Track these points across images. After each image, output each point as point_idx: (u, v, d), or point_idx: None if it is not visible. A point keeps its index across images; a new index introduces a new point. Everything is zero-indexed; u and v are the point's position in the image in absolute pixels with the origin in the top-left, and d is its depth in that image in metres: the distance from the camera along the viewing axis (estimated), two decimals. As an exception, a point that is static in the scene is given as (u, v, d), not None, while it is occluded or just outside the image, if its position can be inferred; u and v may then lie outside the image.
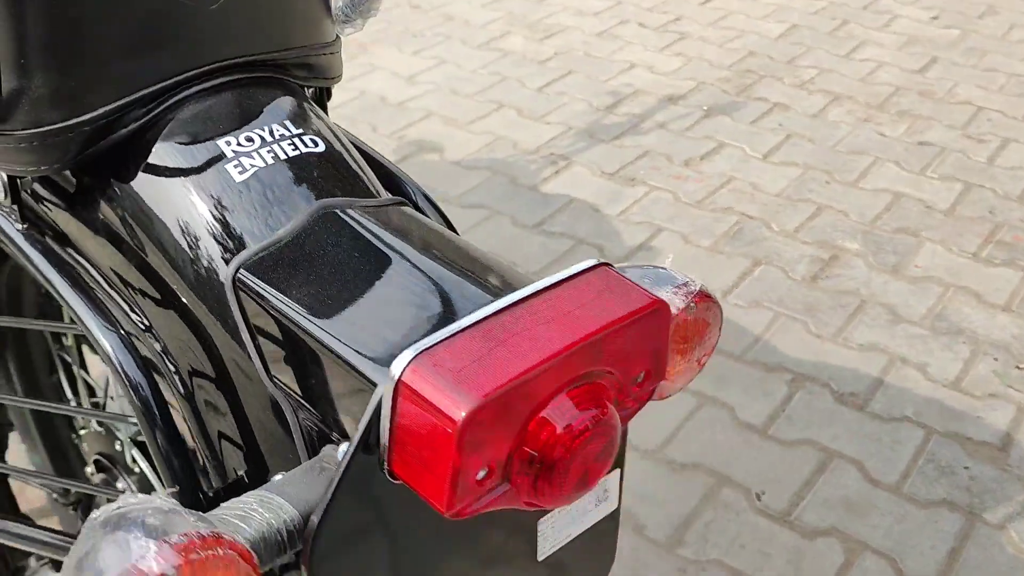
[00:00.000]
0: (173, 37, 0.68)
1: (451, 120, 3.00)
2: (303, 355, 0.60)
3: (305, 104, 0.75)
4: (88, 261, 0.74)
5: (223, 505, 0.57)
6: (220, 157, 0.68)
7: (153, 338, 0.71)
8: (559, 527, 0.70)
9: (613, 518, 0.75)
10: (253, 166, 0.68)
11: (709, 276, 2.33)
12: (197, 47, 0.69)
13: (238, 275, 0.63)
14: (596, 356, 0.54)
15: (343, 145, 0.74)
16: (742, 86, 3.19)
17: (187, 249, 0.67)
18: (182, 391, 0.71)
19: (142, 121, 0.68)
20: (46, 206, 0.75)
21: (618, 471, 0.73)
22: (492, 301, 0.54)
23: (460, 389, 0.49)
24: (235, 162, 0.68)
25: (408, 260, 0.63)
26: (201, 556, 0.51)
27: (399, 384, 0.50)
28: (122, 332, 0.67)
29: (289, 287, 0.62)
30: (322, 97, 0.85)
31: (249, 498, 0.57)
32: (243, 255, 0.64)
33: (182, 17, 0.68)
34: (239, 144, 0.68)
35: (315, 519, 0.54)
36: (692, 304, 0.72)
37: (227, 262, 0.65)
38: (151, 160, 0.68)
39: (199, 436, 0.72)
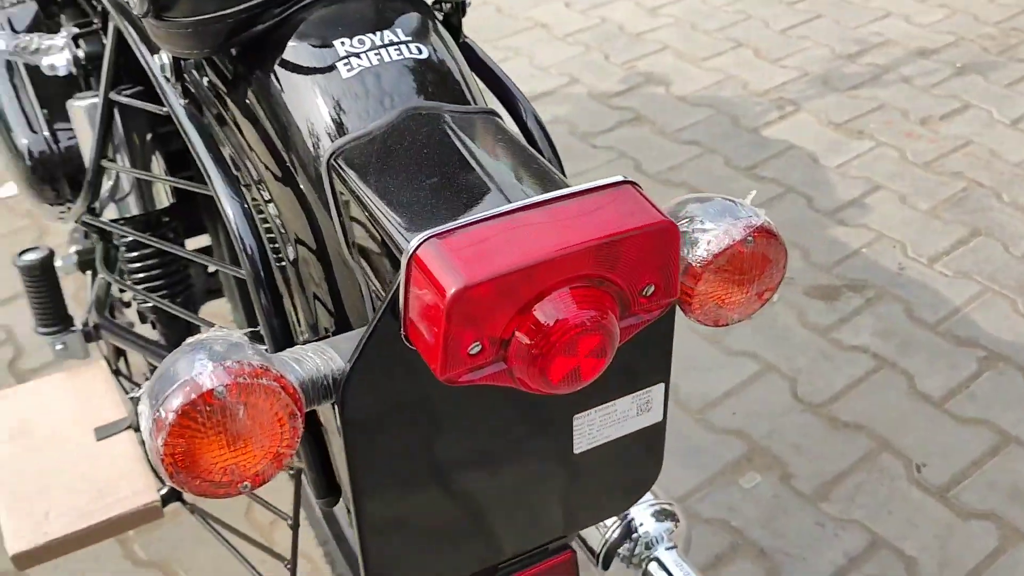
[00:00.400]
0: None
1: (684, 55, 2.98)
2: (371, 233, 0.69)
3: (421, 15, 0.83)
4: (229, 138, 0.86)
5: (288, 350, 0.67)
6: (334, 55, 0.77)
7: (271, 210, 0.83)
8: (596, 426, 0.76)
9: (657, 431, 0.79)
10: (359, 66, 0.77)
11: (919, 239, 2.23)
12: None
13: (332, 160, 0.73)
14: (598, 261, 0.59)
15: (449, 56, 0.82)
16: (1006, 45, 2.96)
17: (298, 134, 0.77)
18: (290, 258, 0.82)
19: (277, 18, 0.79)
20: (202, 87, 0.88)
21: (662, 384, 0.77)
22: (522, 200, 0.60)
23: (457, 268, 0.56)
24: (345, 61, 0.77)
25: (470, 161, 0.70)
26: (248, 381, 0.61)
27: (413, 258, 0.58)
28: (245, 203, 0.79)
29: (367, 175, 0.71)
30: (457, 12, 0.92)
31: (308, 347, 0.67)
32: (338, 143, 0.74)
33: None
34: (352, 45, 0.78)
35: (347, 368, 0.63)
36: (750, 237, 0.74)
37: (324, 148, 0.75)
38: (280, 53, 0.79)
39: (300, 297, 0.83)
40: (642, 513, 1.15)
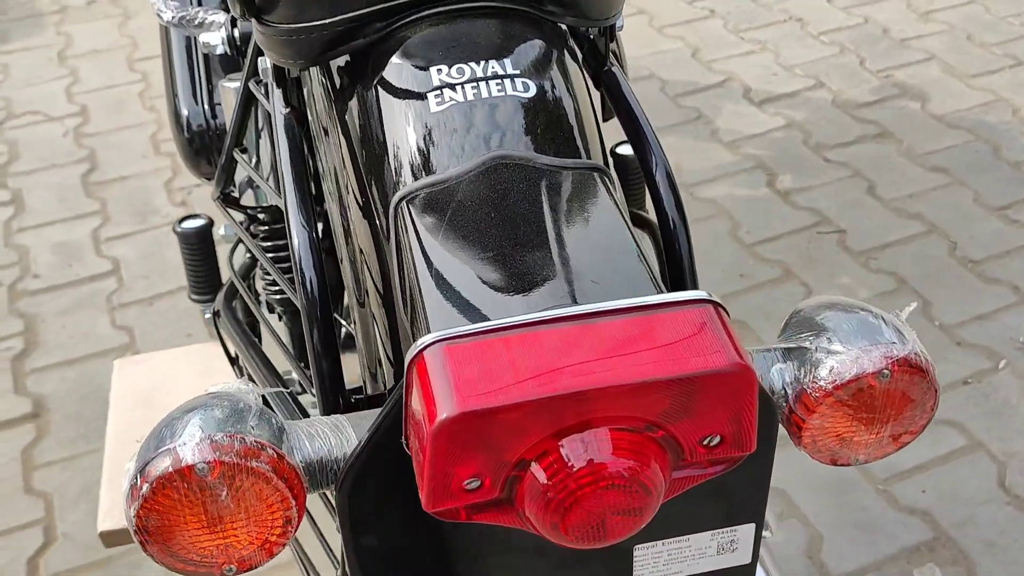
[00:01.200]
0: None
1: (952, 68, 2.67)
2: (418, 297, 0.59)
3: (546, 42, 0.71)
4: (323, 154, 0.79)
5: (306, 420, 0.59)
6: (427, 83, 0.68)
7: (344, 238, 0.75)
8: (664, 560, 0.63)
9: (743, 573, 0.66)
10: (452, 99, 0.66)
11: None
12: None
13: (401, 203, 0.64)
14: (644, 405, 0.46)
15: (568, 95, 0.70)
16: None
17: (379, 166, 0.68)
18: (355, 294, 0.74)
19: (380, 34, 0.70)
20: (304, 98, 0.81)
21: (753, 525, 0.64)
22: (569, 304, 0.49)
23: (452, 391, 0.46)
24: (437, 92, 0.67)
25: (546, 232, 0.59)
26: (236, 461, 0.54)
27: (415, 361, 0.48)
28: (314, 233, 0.71)
29: (430, 229, 0.61)
30: (605, 38, 0.80)
31: (327, 420, 0.59)
32: (411, 186, 0.64)
33: None
34: (449, 74, 0.67)
35: (351, 457, 0.55)
36: (887, 370, 0.59)
37: (398, 189, 0.65)
38: (378, 73, 0.70)
39: (362, 339, 0.75)
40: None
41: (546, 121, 0.68)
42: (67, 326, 2.03)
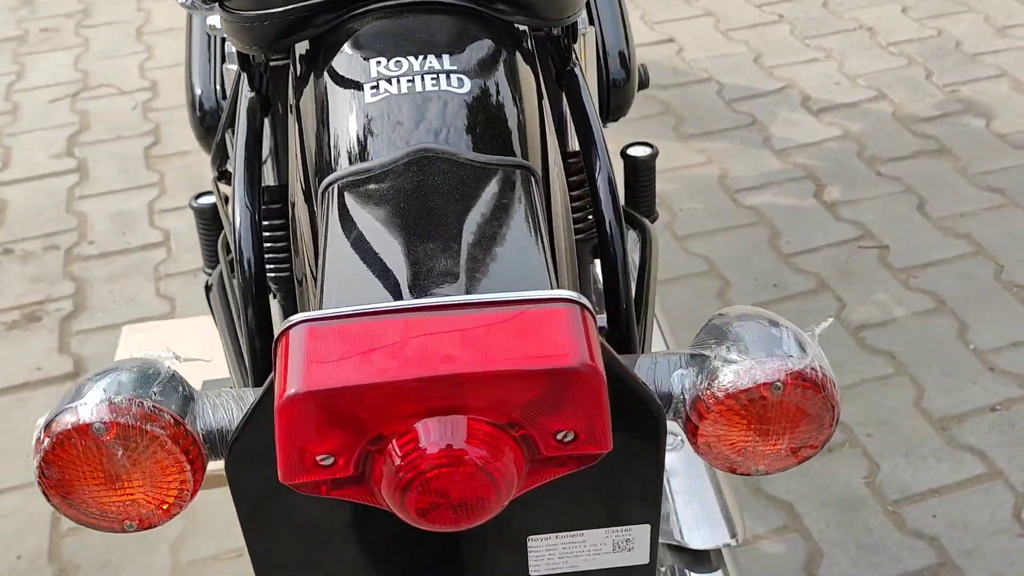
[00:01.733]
0: None
1: (1023, 86, 2.59)
2: (320, 277, 0.62)
3: (493, 40, 0.73)
4: (277, 139, 0.82)
5: (217, 391, 0.62)
6: (366, 75, 0.70)
7: (280, 222, 0.78)
8: (559, 554, 0.64)
9: (641, 573, 0.67)
10: (387, 91, 0.68)
11: None
12: None
13: (328, 189, 0.66)
14: (484, 396, 0.48)
15: (509, 93, 0.71)
16: None
17: (317, 152, 0.71)
18: (296, 278, 0.77)
19: (330, 25, 0.72)
20: (267, 84, 0.84)
21: (648, 527, 0.64)
22: (450, 293, 0.50)
23: (302, 370, 0.48)
24: (374, 83, 0.69)
25: (452, 225, 0.60)
26: (131, 423, 0.57)
27: (281, 339, 0.50)
28: (256, 216, 0.74)
29: (345, 214, 0.63)
30: (568, 39, 0.81)
31: (234, 393, 0.62)
32: (338, 172, 0.66)
33: None
34: (387, 67, 0.69)
35: (235, 430, 0.57)
36: (779, 383, 0.59)
37: (330, 173, 0.68)
38: (326, 63, 0.73)
39: (281, 319, 0.77)
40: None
41: (477, 118, 0.69)
42: (114, 292, 2.11)
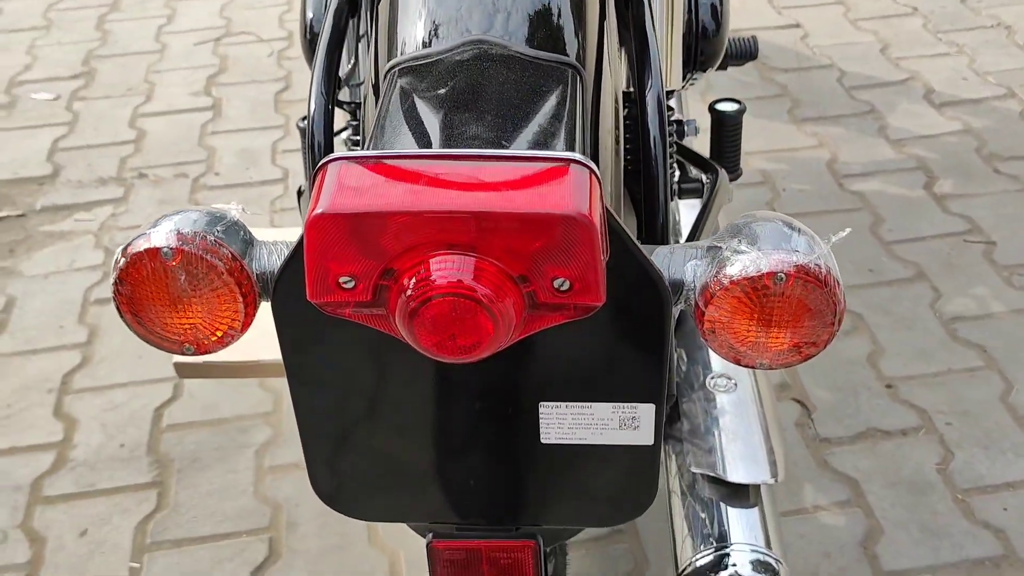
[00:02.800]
0: None
1: None
2: (372, 143, 0.68)
3: None
4: (366, 32, 0.88)
5: (277, 240, 0.69)
6: None
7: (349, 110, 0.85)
8: (568, 424, 0.69)
9: (647, 455, 0.71)
10: None
11: None
12: None
13: (391, 71, 0.72)
14: (485, 233, 0.53)
15: (558, 2, 0.76)
16: None
17: (384, 41, 0.78)
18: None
19: None
20: None
21: (652, 406, 0.68)
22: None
23: (330, 194, 0.54)
24: None
25: (491, 104, 0.66)
26: (194, 251, 0.64)
27: (319, 170, 0.57)
28: (329, 104, 0.81)
29: (404, 92, 0.69)
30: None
31: (288, 242, 0.69)
32: (402, 57, 0.73)
33: None
34: None
35: (280, 267, 0.64)
36: (782, 274, 0.62)
37: (393, 58, 0.74)
38: None
39: None
40: (743, 555, 1.05)
41: (532, 18, 0.75)
42: (232, 220, 2.24)
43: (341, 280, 0.56)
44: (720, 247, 0.65)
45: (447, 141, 0.63)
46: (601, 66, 0.78)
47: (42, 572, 1.52)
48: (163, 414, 1.78)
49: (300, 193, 1.21)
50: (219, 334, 0.67)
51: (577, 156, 0.56)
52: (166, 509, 1.61)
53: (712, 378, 1.19)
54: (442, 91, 0.68)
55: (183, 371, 1.18)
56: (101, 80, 2.78)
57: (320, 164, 0.57)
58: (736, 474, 1.07)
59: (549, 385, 0.67)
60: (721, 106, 1.34)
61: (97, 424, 1.76)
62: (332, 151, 0.81)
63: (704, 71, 1.30)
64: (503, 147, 0.63)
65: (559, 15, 0.76)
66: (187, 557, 1.54)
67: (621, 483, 0.72)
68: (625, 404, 0.68)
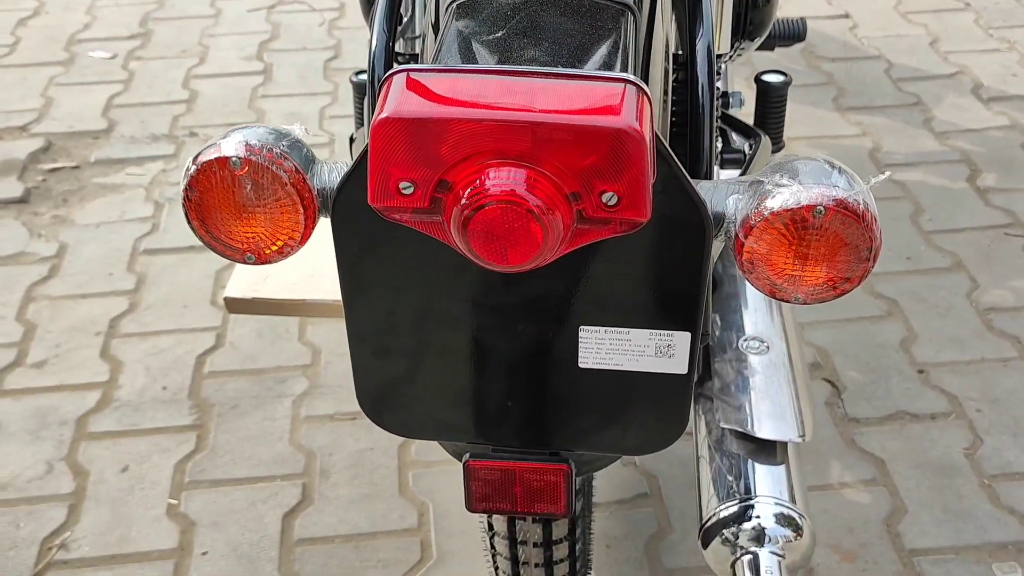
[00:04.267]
0: None
1: None
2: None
3: None
4: None
5: (336, 160, 0.73)
6: None
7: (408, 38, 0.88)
8: (606, 349, 0.72)
9: (680, 384, 0.73)
10: None
11: None
12: None
13: (452, 5, 0.76)
14: (538, 143, 0.56)
15: None
16: None
17: None
18: None
19: None
20: None
21: (688, 334, 0.71)
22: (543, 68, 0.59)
23: (397, 100, 0.57)
24: None
25: (548, 36, 0.69)
26: (261, 162, 0.68)
27: (384, 81, 0.60)
28: (390, 41, 0.85)
29: (465, 24, 0.72)
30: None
31: (347, 164, 0.72)
32: None
33: None
34: None
35: (340, 181, 0.67)
36: (821, 207, 0.65)
37: None
38: None
39: None
40: (767, 507, 1.07)
41: None
42: (279, 180, 2.29)
43: (401, 186, 0.60)
44: (763, 181, 0.67)
45: (505, 63, 0.66)
46: (654, 12, 0.81)
47: (84, 503, 1.57)
48: (205, 361, 1.83)
49: (352, 140, 1.25)
50: (279, 244, 0.70)
51: (631, 77, 0.59)
52: (204, 451, 1.66)
53: (745, 340, 1.21)
54: (500, 25, 0.71)
55: (233, 305, 1.22)
56: (157, 41, 2.84)
57: (387, 76, 0.60)
58: (764, 430, 1.09)
59: (590, 309, 0.70)
60: (767, 77, 1.36)
61: (141, 367, 1.81)
62: None
63: (752, 40, 1.32)
64: (552, 66, 0.66)
65: None
66: (223, 497, 1.59)
67: (653, 412, 0.75)
68: (662, 332, 0.71)
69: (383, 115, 0.57)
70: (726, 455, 1.12)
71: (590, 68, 0.68)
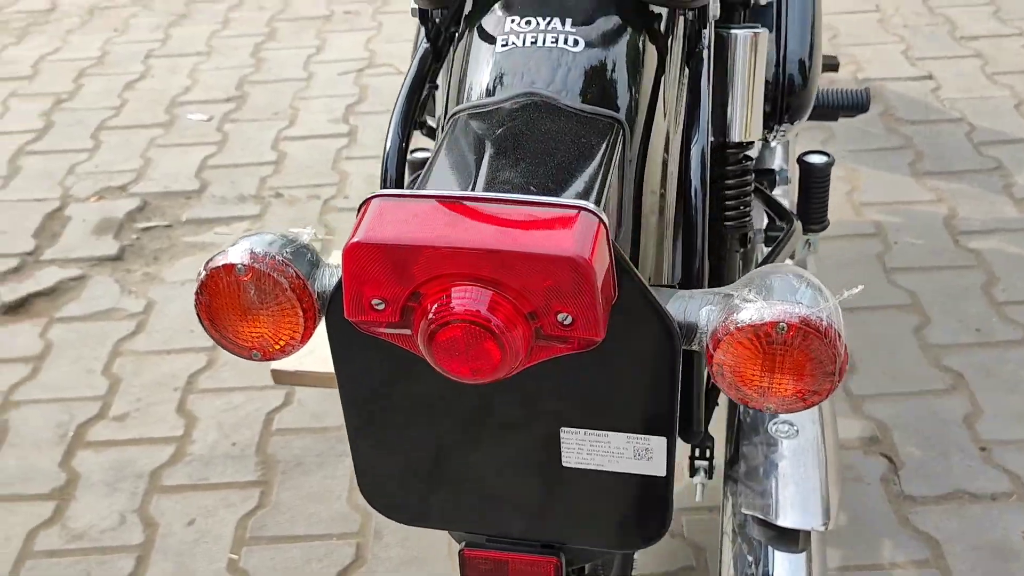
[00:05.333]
0: None
1: None
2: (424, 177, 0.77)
3: (612, 15, 0.84)
4: (442, 80, 0.96)
5: (339, 264, 0.78)
6: (501, 30, 0.84)
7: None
8: (587, 450, 0.75)
9: (659, 485, 0.75)
10: (512, 44, 0.82)
11: None
12: None
13: (454, 116, 0.81)
14: (495, 268, 0.59)
15: (617, 59, 0.82)
16: None
17: (454, 89, 0.86)
18: None
19: None
20: (441, 34, 0.98)
21: (664, 440, 0.73)
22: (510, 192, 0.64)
23: (367, 225, 0.62)
24: (504, 37, 0.83)
25: (532, 151, 0.73)
26: (263, 270, 0.73)
27: (363, 203, 0.65)
28: (404, 143, 0.90)
29: (460, 136, 0.77)
30: (696, 23, 0.90)
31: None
32: (462, 105, 0.81)
33: None
34: (518, 24, 0.83)
35: (332, 288, 0.72)
36: (783, 324, 0.67)
37: (457, 104, 0.83)
38: (477, 18, 0.88)
39: None
40: None
41: (582, 73, 0.81)
42: (355, 241, 2.38)
43: (373, 302, 0.64)
44: (732, 295, 0.70)
45: (484, 184, 0.71)
46: (652, 121, 0.84)
47: (152, 555, 1.66)
48: (273, 419, 1.91)
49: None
50: (281, 343, 0.76)
51: (587, 205, 0.63)
52: (267, 507, 1.73)
53: (775, 424, 1.22)
54: (490, 138, 0.76)
55: (279, 377, 1.29)
56: (251, 104, 2.99)
57: (364, 200, 0.65)
58: (785, 518, 1.10)
59: (570, 412, 0.73)
60: (809, 158, 1.37)
61: (214, 423, 1.90)
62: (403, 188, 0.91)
63: (792, 123, 1.34)
64: (530, 192, 0.70)
65: (612, 71, 0.82)
66: (281, 553, 1.65)
67: (634, 511, 0.77)
68: (638, 436, 0.73)
69: (354, 240, 0.62)
70: (747, 541, 1.13)
71: (565, 186, 0.72)
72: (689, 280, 0.86)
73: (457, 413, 0.75)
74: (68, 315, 2.20)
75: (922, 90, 2.75)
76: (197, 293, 0.75)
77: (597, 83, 0.81)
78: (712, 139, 1.18)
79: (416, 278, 0.62)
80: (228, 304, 0.75)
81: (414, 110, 0.94)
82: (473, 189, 0.71)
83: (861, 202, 2.34)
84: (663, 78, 0.88)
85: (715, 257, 1.26)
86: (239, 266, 0.73)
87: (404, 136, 0.92)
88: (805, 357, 0.67)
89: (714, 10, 0.93)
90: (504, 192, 0.69)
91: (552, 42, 0.82)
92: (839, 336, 0.67)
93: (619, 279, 0.65)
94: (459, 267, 0.61)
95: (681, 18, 0.92)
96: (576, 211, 0.62)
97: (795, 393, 0.69)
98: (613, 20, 0.85)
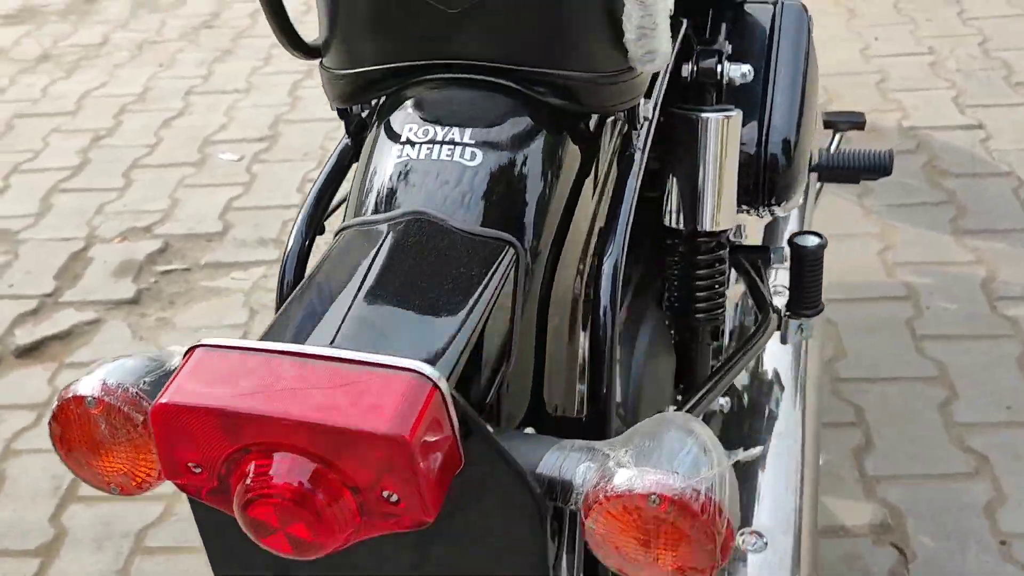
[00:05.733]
0: (413, 29, 0.78)
1: None
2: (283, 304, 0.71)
3: (522, 120, 0.77)
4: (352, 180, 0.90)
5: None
6: (398, 138, 0.77)
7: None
8: None
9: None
10: (408, 155, 0.75)
11: None
12: (434, 42, 0.78)
13: (341, 232, 0.75)
14: (311, 441, 0.53)
15: (516, 170, 0.75)
16: None
17: (351, 198, 0.80)
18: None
19: (391, 91, 0.81)
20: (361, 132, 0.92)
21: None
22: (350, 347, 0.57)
23: (177, 384, 0.56)
24: (401, 147, 0.76)
25: (405, 283, 0.67)
26: (115, 403, 0.68)
27: (186, 354, 0.59)
28: (307, 242, 0.85)
29: (339, 258, 0.71)
30: (627, 123, 0.83)
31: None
32: (351, 220, 0.75)
33: (425, 15, 0.77)
34: (415, 134, 0.76)
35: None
36: (656, 497, 0.59)
37: (347, 219, 0.77)
38: (382, 121, 0.82)
39: None
40: None
41: (476, 190, 0.75)
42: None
43: (190, 465, 0.59)
44: (608, 455, 0.62)
45: (337, 326, 0.64)
46: (563, 240, 0.77)
47: (129, 619, 1.63)
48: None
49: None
50: (138, 480, 0.70)
51: (418, 366, 0.56)
52: (248, 573, 1.69)
53: (742, 535, 1.13)
54: (367, 263, 0.70)
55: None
56: (283, 143, 2.98)
57: (187, 349, 0.60)
58: None
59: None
60: (800, 240, 1.28)
61: (206, 480, 1.87)
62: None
63: (779, 206, 1.25)
64: (384, 338, 0.63)
65: (513, 187, 0.75)
66: (256, 625, 1.61)
67: None
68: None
69: (161, 400, 0.57)
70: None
71: (437, 328, 0.65)
72: (595, 415, 0.79)
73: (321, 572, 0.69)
74: (79, 360, 2.20)
75: (971, 140, 2.61)
76: (50, 422, 0.70)
77: (493, 202, 0.75)
78: (684, 226, 1.10)
79: (230, 444, 0.57)
80: (80, 437, 0.70)
81: (323, 211, 0.88)
82: (328, 337, 0.64)
83: (894, 262, 2.21)
84: (582, 190, 0.81)
85: (686, 351, 1.18)
86: (89, 399, 0.69)
87: (308, 236, 0.87)
88: (679, 533, 0.60)
89: (645, 111, 0.85)
90: (347, 344, 0.62)
91: (447, 155, 0.76)
92: (720, 511, 0.60)
93: (468, 442, 0.58)
94: (276, 436, 0.55)
95: (608, 121, 0.85)
96: (406, 374, 0.56)
97: (676, 569, 0.62)
98: (523, 127, 0.78)
